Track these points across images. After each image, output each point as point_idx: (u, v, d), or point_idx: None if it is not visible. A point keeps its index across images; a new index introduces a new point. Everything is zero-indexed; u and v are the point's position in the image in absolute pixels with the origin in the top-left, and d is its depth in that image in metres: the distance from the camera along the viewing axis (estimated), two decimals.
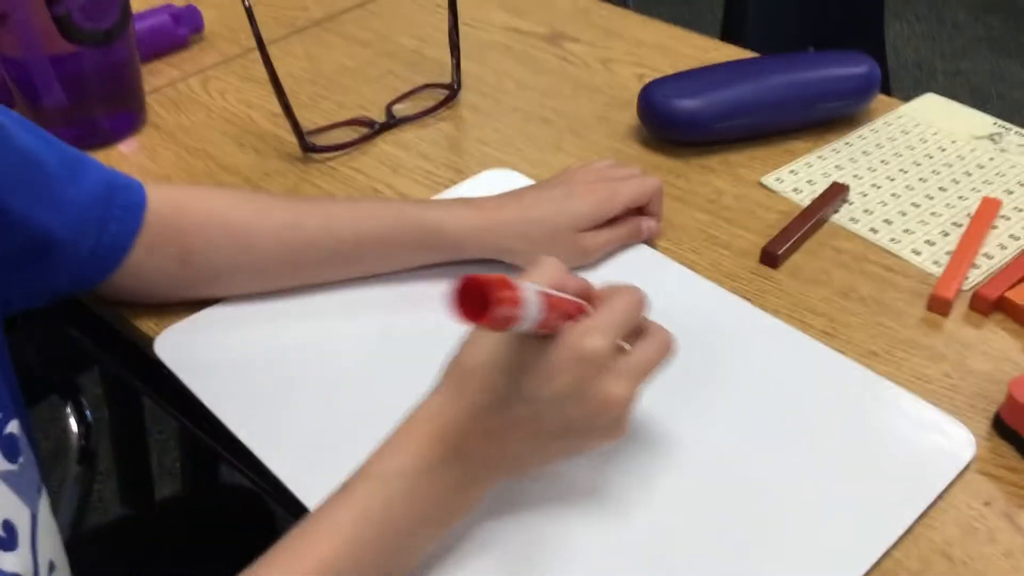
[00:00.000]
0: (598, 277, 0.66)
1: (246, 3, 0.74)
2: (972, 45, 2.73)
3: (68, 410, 1.16)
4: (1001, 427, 0.57)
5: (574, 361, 0.47)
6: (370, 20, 1.01)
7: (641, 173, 0.72)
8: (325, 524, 0.47)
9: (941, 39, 2.76)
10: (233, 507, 0.93)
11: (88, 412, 1.16)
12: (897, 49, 2.70)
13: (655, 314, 0.56)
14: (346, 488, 0.48)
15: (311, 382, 0.61)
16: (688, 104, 0.79)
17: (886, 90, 1.50)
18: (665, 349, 0.52)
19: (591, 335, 0.48)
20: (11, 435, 0.51)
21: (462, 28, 0.99)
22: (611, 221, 0.68)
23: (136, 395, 1.21)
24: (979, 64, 2.64)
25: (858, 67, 0.81)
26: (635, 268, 0.69)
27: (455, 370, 0.50)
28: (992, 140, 0.81)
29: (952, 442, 0.57)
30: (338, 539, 0.46)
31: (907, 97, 0.87)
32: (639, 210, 0.70)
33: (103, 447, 1.24)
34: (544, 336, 0.48)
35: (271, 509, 0.90)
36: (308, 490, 0.54)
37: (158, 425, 1.52)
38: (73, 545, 0.57)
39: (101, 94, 0.81)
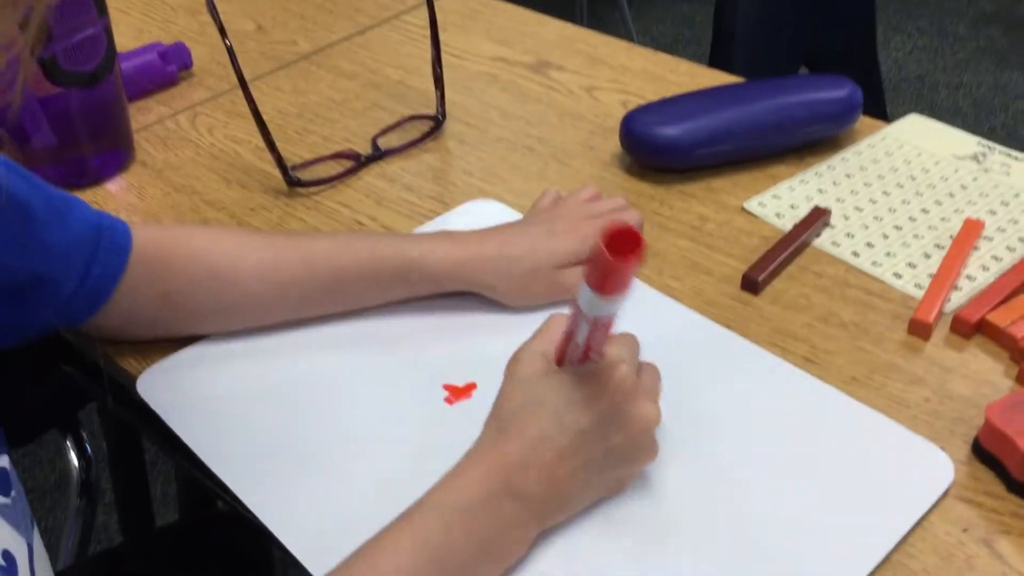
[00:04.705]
0: None
1: (227, 42, 0.75)
2: (974, 57, 2.73)
3: (68, 444, 1.16)
4: (980, 452, 0.57)
5: (609, 389, 0.52)
6: (357, 53, 1.02)
7: (625, 203, 0.73)
8: (387, 551, 0.48)
9: (943, 52, 2.76)
10: (229, 534, 0.93)
11: (88, 446, 1.17)
12: (899, 63, 2.70)
13: None
14: (405, 518, 0.49)
15: (292, 419, 0.61)
16: (669, 131, 0.79)
17: (881, 106, 1.51)
18: (658, 375, 0.57)
19: (618, 364, 0.52)
20: (3, 469, 0.51)
21: (449, 59, 1.00)
22: None
23: (133, 427, 1.22)
24: (981, 76, 2.64)
25: (839, 91, 0.81)
26: None
27: (495, 419, 0.53)
28: (976, 160, 0.81)
29: (931, 468, 0.56)
30: (398, 566, 0.47)
31: (909, 110, 0.87)
32: None
33: (107, 478, 1.25)
34: (573, 370, 0.53)
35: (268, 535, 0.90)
36: (289, 530, 0.54)
37: (160, 455, 1.53)
38: (70, 574, 0.57)
39: (88, 134, 0.82)
